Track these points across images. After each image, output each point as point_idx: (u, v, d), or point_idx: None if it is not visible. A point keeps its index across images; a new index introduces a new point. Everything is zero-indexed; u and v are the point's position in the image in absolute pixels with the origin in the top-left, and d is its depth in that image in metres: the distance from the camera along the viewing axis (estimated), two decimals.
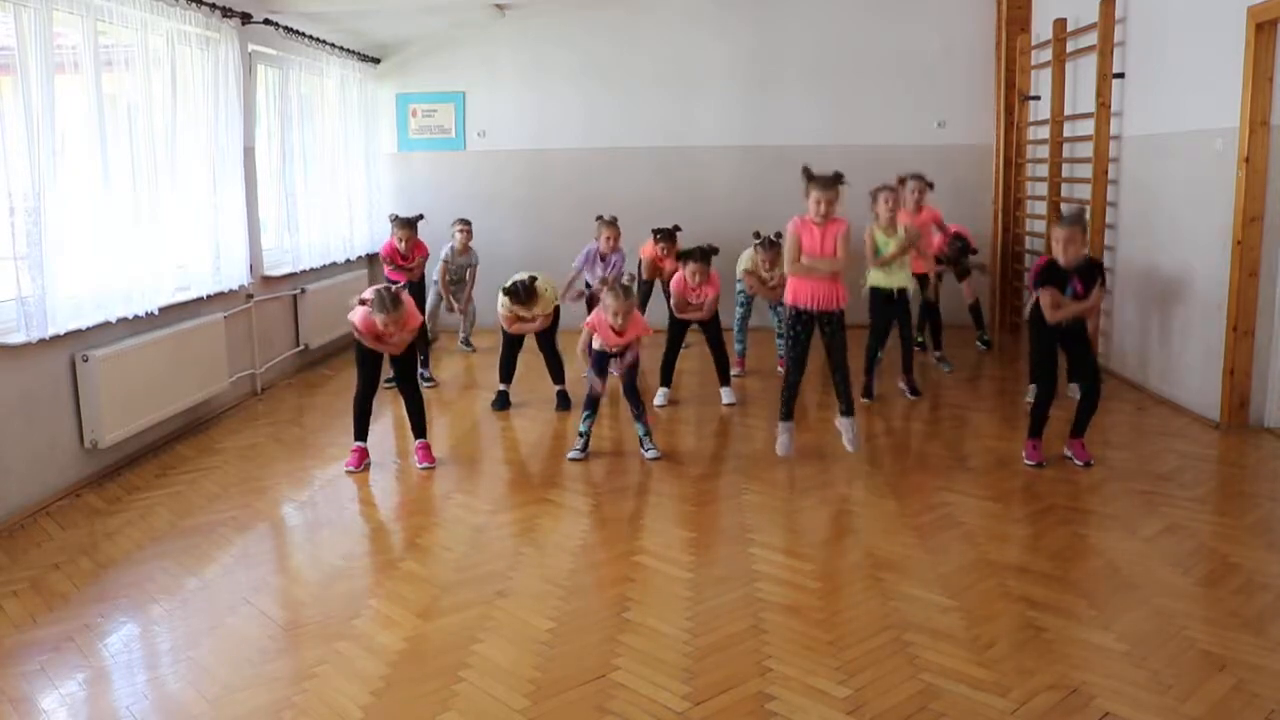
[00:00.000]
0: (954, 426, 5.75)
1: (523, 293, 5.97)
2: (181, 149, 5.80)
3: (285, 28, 7.14)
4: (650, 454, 5.15)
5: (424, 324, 6.23)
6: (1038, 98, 7.99)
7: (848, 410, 5.01)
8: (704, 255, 5.97)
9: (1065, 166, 7.46)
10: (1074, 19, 7.20)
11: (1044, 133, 7.74)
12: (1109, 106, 6.63)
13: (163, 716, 2.87)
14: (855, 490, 4.68)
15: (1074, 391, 5.26)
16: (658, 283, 7.22)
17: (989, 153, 8.70)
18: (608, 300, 5.07)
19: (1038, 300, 4.81)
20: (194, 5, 5.80)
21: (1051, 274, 4.73)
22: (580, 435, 5.22)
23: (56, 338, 4.66)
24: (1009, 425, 5.63)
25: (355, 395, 5.12)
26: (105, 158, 5.05)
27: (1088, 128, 6.88)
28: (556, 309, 6.19)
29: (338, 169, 8.20)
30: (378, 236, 8.40)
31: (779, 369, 6.31)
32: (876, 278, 6.05)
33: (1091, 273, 4.76)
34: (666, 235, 6.93)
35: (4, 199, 4.42)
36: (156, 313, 5.44)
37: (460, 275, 7.71)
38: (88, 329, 4.91)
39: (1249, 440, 5.31)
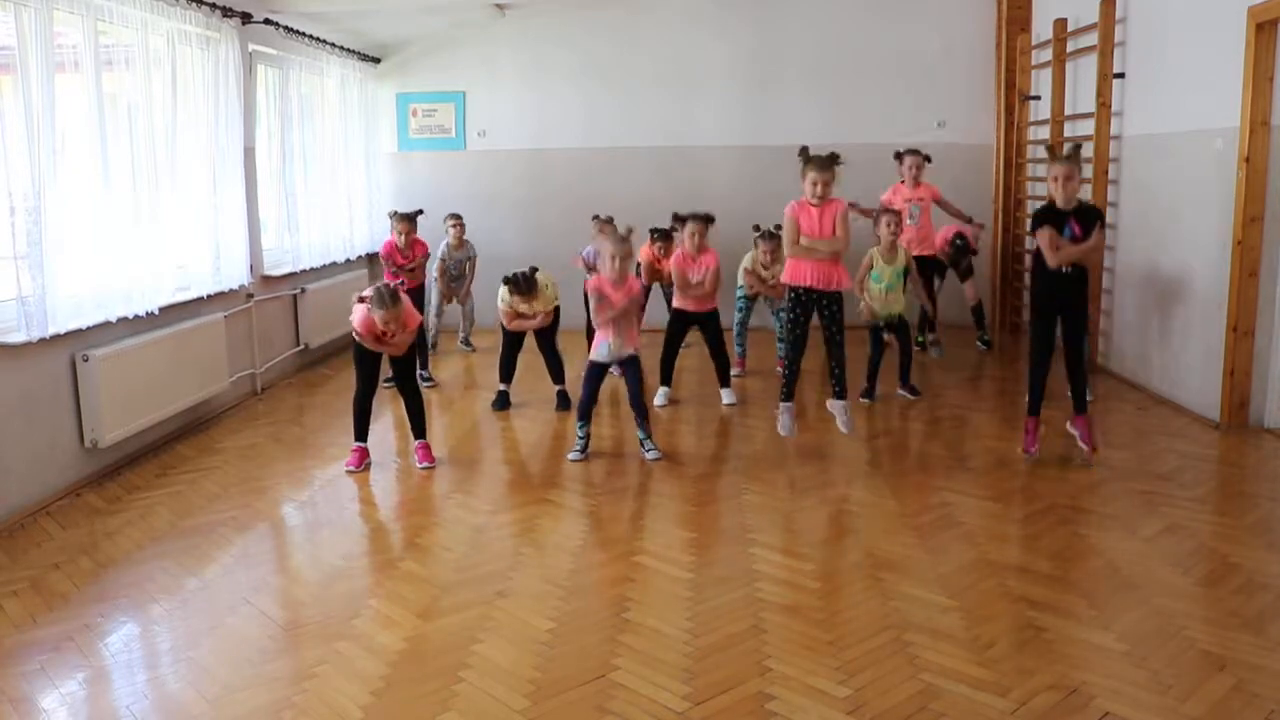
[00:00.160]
0: (954, 426, 5.75)
1: (523, 283, 5.94)
2: (182, 148, 5.80)
3: (285, 27, 7.14)
4: (650, 454, 5.15)
5: (422, 325, 6.22)
6: (1038, 98, 7.98)
7: (840, 393, 5.01)
8: (701, 217, 6.03)
9: None
10: (1074, 19, 7.20)
11: (1044, 133, 7.73)
12: (1109, 106, 6.63)
13: (163, 716, 2.87)
14: (855, 490, 4.68)
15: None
16: (657, 285, 7.20)
17: (989, 153, 8.69)
18: (605, 245, 5.07)
19: (1039, 250, 4.70)
20: (194, 5, 5.80)
21: (1049, 214, 4.64)
22: (580, 436, 5.22)
23: (57, 337, 4.66)
24: (1009, 425, 5.63)
25: (355, 395, 5.13)
26: (105, 157, 5.05)
27: (1088, 128, 6.88)
28: (557, 309, 6.19)
29: (338, 169, 8.20)
30: (378, 236, 8.39)
31: (779, 369, 6.30)
32: (872, 302, 6.03)
33: (1090, 215, 4.67)
34: (664, 235, 6.90)
35: (4, 198, 4.42)
36: (157, 312, 5.44)
37: (460, 270, 7.71)
38: (88, 328, 4.91)
39: (1249, 440, 5.31)
